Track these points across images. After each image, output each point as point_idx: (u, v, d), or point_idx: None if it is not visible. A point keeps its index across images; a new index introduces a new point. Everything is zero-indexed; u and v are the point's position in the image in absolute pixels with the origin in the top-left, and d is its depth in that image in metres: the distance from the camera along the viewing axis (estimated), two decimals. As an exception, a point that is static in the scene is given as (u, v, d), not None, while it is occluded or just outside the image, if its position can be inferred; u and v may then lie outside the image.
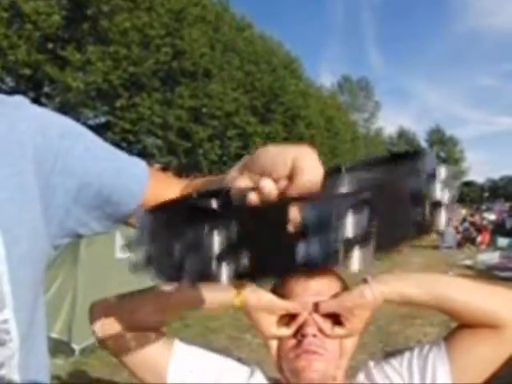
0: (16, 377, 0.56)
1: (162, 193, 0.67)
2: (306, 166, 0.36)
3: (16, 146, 0.57)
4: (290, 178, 0.36)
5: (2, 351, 0.55)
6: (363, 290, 0.74)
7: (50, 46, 17.01)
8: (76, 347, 4.22)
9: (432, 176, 0.40)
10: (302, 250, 0.33)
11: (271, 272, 0.35)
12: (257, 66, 23.19)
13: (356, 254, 0.32)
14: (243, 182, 0.38)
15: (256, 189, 0.36)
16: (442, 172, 0.41)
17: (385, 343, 4.94)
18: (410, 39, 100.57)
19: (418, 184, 0.39)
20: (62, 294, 4.35)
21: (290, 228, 0.33)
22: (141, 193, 0.66)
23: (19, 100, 0.62)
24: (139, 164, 0.69)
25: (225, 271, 0.33)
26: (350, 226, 0.31)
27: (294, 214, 0.34)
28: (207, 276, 0.33)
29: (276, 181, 0.37)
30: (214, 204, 0.39)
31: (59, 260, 4.34)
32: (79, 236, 0.67)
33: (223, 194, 0.39)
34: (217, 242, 0.32)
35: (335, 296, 0.77)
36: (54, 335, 4.22)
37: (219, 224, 0.33)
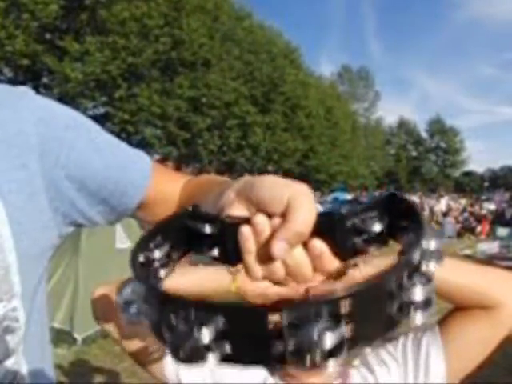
0: (23, 362, 0.58)
1: (164, 187, 0.67)
2: (300, 207, 0.35)
3: (20, 136, 0.57)
4: (284, 215, 0.36)
5: (12, 338, 0.56)
6: (352, 274, 0.75)
7: (48, 36, 16.90)
8: (78, 337, 4.25)
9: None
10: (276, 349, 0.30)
11: (248, 362, 0.34)
12: (256, 55, 23.05)
13: (331, 363, 0.31)
14: (239, 209, 0.39)
15: (249, 221, 0.37)
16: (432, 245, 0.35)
17: (384, 332, 4.97)
18: (410, 28, 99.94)
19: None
20: (63, 284, 4.38)
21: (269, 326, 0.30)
22: (144, 187, 0.67)
23: (23, 90, 0.62)
24: (143, 157, 0.70)
25: (211, 359, 0.33)
26: (328, 339, 0.29)
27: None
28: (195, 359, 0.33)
29: (270, 216, 0.37)
30: (208, 229, 0.40)
31: (60, 250, 4.35)
32: (81, 225, 0.67)
33: (218, 220, 0.39)
34: (206, 333, 0.32)
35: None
36: (56, 325, 4.25)
37: (206, 317, 0.32)
